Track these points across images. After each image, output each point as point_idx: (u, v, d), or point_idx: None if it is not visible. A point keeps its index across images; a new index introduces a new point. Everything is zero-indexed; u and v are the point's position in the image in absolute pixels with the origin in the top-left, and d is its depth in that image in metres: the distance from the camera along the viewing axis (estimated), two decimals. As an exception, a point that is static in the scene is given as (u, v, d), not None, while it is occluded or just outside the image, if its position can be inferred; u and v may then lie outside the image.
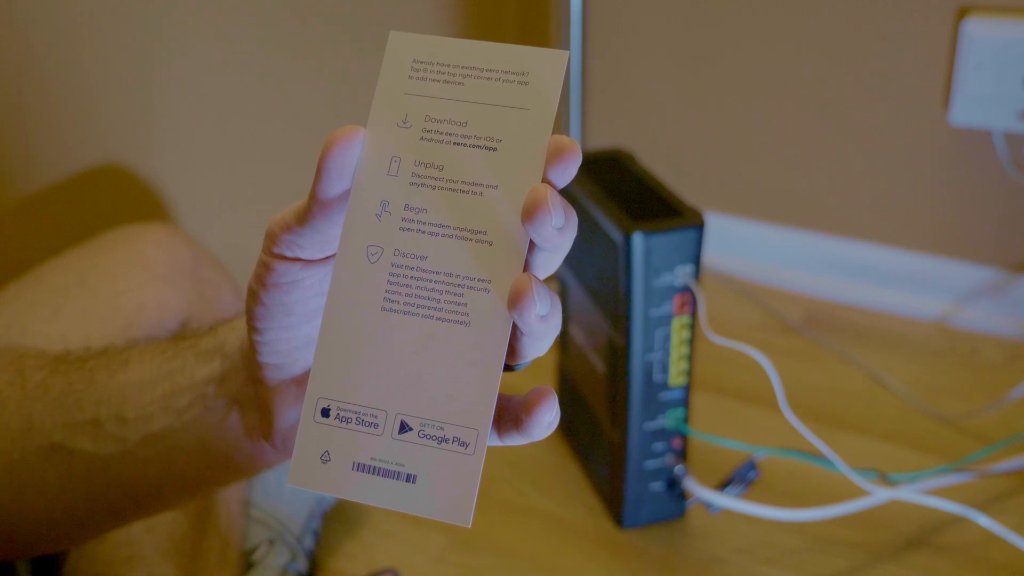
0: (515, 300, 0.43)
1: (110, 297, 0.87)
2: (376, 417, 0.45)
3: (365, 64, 1.30)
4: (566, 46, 1.38)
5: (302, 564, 0.93)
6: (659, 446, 0.96)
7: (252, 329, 0.49)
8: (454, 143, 0.46)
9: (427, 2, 1.38)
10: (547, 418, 0.45)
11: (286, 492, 0.96)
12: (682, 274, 0.90)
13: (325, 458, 0.46)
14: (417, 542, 0.99)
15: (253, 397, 0.52)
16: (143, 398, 0.55)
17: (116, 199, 1.10)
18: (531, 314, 0.43)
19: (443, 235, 0.45)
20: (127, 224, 0.96)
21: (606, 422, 0.99)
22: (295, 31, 1.22)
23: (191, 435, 0.54)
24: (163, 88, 1.10)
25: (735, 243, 1.41)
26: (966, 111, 1.20)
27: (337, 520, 1.01)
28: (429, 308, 0.45)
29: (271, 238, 0.47)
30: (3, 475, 0.59)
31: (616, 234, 0.90)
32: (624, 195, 0.94)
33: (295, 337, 0.48)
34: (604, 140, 1.43)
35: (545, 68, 0.46)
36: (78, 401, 0.57)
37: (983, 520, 0.93)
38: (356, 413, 0.46)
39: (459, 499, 0.44)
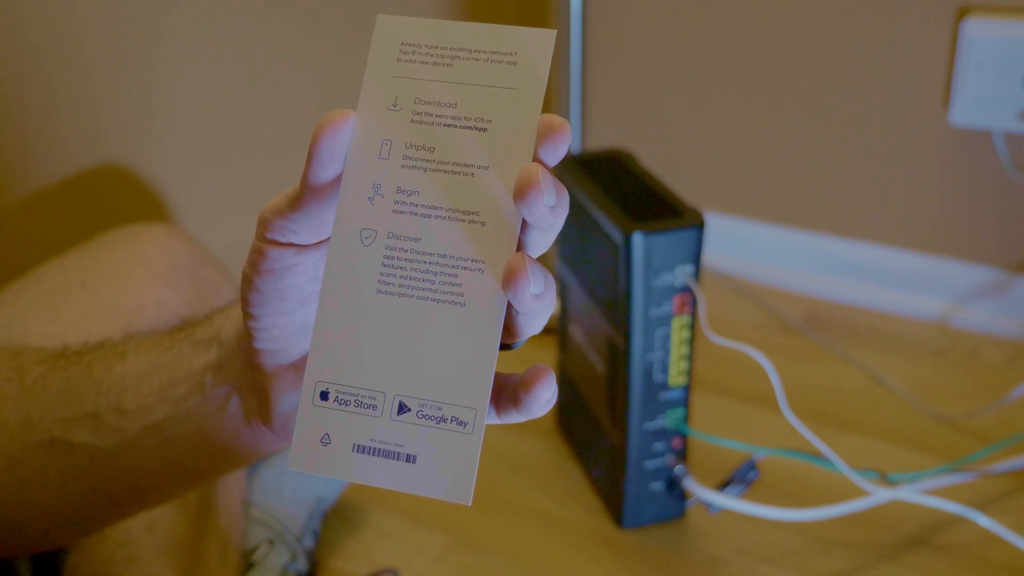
0: (509, 279, 0.43)
1: (110, 297, 0.87)
2: (375, 399, 0.46)
3: (364, 65, 1.30)
4: (566, 46, 1.38)
5: (302, 564, 0.93)
6: (659, 446, 0.96)
7: (248, 316, 0.49)
8: (444, 124, 0.46)
9: (428, 5, 1.38)
10: (545, 395, 0.46)
11: (286, 492, 0.96)
12: (682, 274, 0.90)
13: (325, 440, 0.46)
14: (417, 542, 0.99)
15: (251, 383, 0.52)
16: (141, 389, 0.55)
17: (116, 199, 1.10)
18: (526, 293, 0.43)
19: (436, 217, 0.45)
20: (127, 224, 0.96)
21: (606, 422, 0.99)
22: (295, 32, 1.22)
23: (191, 424, 0.54)
24: (163, 88, 1.10)
25: (735, 243, 1.41)
26: (966, 111, 1.20)
27: (337, 520, 1.01)
28: (424, 290, 0.45)
29: (264, 224, 0.47)
30: (4, 472, 0.59)
31: (616, 234, 0.90)
32: (624, 195, 0.94)
33: (291, 322, 0.49)
34: (604, 140, 1.43)
35: (533, 47, 0.46)
36: (77, 395, 0.57)
37: (983, 520, 0.93)
38: (355, 395, 0.46)
39: (459, 477, 0.44)
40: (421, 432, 0.45)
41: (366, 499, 1.03)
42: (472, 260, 0.45)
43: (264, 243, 0.47)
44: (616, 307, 0.92)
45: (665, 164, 1.25)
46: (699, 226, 0.90)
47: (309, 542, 0.95)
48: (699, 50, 1.38)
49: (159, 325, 0.87)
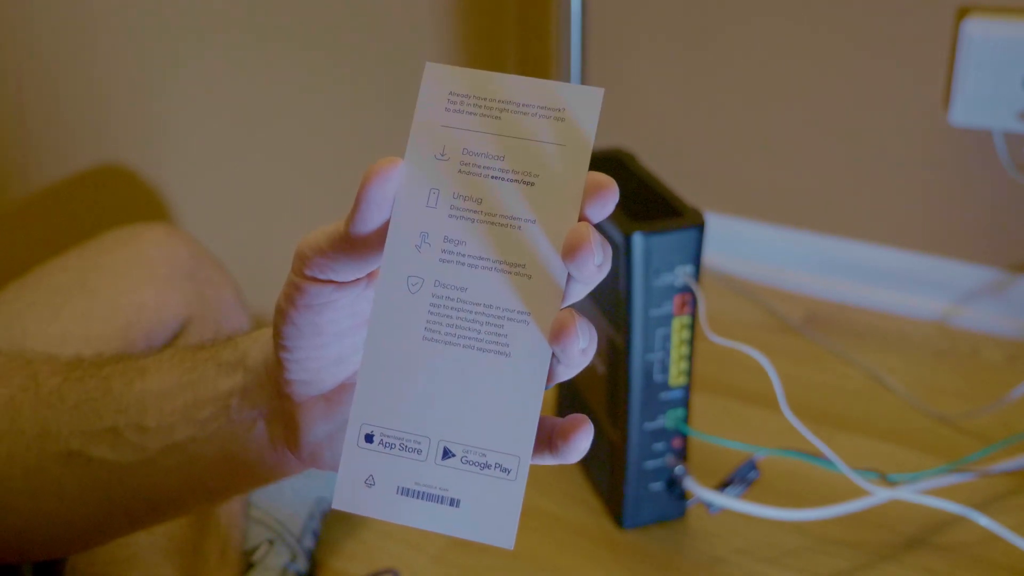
0: (559, 336, 0.44)
1: (110, 297, 0.87)
2: (419, 443, 0.46)
3: (364, 66, 1.30)
4: (566, 46, 1.38)
5: (302, 564, 0.93)
6: (659, 446, 0.96)
7: (281, 347, 0.48)
8: (492, 177, 0.46)
9: (427, 4, 1.38)
10: (583, 444, 0.46)
11: (286, 492, 0.96)
12: (682, 274, 0.90)
13: (370, 482, 0.47)
14: (417, 542, 0.99)
15: (279, 411, 0.52)
16: (163, 408, 0.55)
17: (117, 199, 1.10)
18: (574, 348, 0.44)
19: (482, 267, 0.46)
20: (128, 224, 0.96)
21: (606, 422, 0.99)
22: (295, 34, 1.22)
23: (214, 445, 0.54)
24: (165, 89, 1.10)
25: (735, 243, 1.41)
26: (966, 111, 1.20)
27: (337, 520, 1.01)
28: (470, 338, 0.46)
29: (302, 260, 0.47)
30: (20, 481, 0.59)
31: (616, 234, 0.90)
32: (624, 195, 0.94)
33: (324, 355, 0.48)
34: (604, 140, 1.43)
35: (581, 104, 0.46)
36: (95, 409, 0.57)
37: (983, 520, 0.93)
38: (399, 439, 0.46)
39: (502, 522, 0.45)
40: (465, 477, 0.46)
41: (366, 499, 1.03)
42: (518, 312, 0.46)
43: (302, 279, 0.47)
44: (616, 307, 0.92)
45: (665, 164, 1.25)
46: (699, 226, 0.90)
47: (309, 542, 0.95)
48: (699, 50, 1.38)
49: (159, 325, 0.87)
